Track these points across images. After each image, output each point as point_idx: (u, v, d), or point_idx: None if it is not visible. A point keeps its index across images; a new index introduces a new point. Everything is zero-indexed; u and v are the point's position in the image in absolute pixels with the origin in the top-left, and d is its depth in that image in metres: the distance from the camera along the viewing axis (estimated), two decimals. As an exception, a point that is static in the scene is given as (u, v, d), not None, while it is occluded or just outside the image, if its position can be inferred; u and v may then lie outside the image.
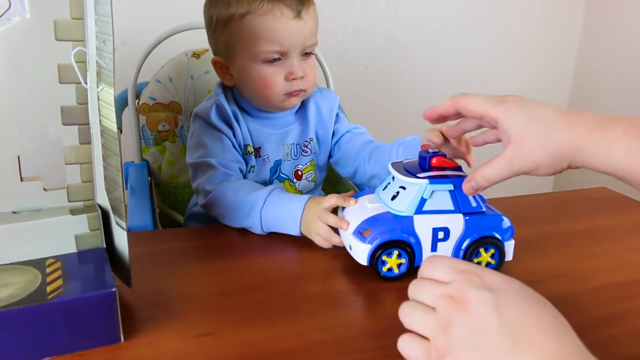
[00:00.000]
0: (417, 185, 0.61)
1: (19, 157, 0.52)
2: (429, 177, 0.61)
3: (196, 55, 1.07)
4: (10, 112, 0.51)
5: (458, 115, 0.61)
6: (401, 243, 0.61)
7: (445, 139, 0.70)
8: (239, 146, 0.85)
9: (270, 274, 0.63)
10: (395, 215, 0.61)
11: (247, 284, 0.60)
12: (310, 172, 0.93)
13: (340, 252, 0.67)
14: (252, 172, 0.87)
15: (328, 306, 0.57)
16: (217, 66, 0.87)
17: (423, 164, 0.63)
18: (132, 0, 1.32)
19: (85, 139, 0.54)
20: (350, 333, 0.52)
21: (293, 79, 0.82)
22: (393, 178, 0.65)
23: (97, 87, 0.51)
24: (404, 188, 0.62)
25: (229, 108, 0.84)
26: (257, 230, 0.72)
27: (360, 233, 0.61)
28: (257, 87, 0.82)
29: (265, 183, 0.88)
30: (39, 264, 0.51)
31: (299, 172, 0.91)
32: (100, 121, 0.52)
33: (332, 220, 0.66)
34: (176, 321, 0.52)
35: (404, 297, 0.46)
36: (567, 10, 1.92)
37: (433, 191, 0.61)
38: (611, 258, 0.71)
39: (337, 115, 0.96)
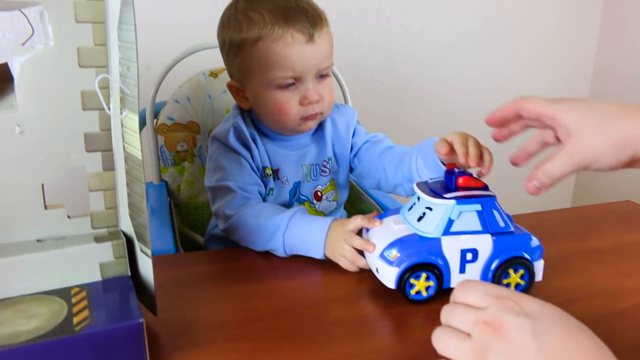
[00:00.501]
0: (444, 206, 0.59)
1: (42, 184, 0.52)
2: (456, 198, 0.60)
3: (213, 74, 1.07)
4: (34, 139, 0.50)
5: (518, 117, 0.61)
6: (429, 265, 0.59)
7: (452, 151, 0.70)
8: (257, 169, 0.84)
9: (296, 298, 0.62)
10: (422, 237, 0.60)
11: (274, 309, 0.59)
12: (331, 191, 0.92)
13: (366, 275, 0.66)
14: (272, 194, 0.86)
15: (356, 332, 0.55)
16: (232, 90, 0.86)
17: (449, 184, 0.62)
18: (151, 23, 1.33)
19: (109, 166, 0.54)
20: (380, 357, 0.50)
21: (308, 103, 0.80)
22: (418, 198, 0.63)
23: (121, 113, 0.50)
24: (430, 209, 0.61)
25: (246, 130, 0.83)
26: (280, 253, 0.71)
27: (387, 256, 0.60)
28: (272, 112, 0.81)
29: (285, 205, 0.87)
30: (64, 293, 0.50)
31: (319, 193, 0.90)
32: (124, 147, 0.52)
33: (358, 242, 0.65)
34: (203, 350, 0.51)
35: (433, 320, 0.45)
36: (582, 21, 1.90)
37: (460, 212, 0.59)
38: (644, 276, 0.69)
39: (355, 130, 0.94)
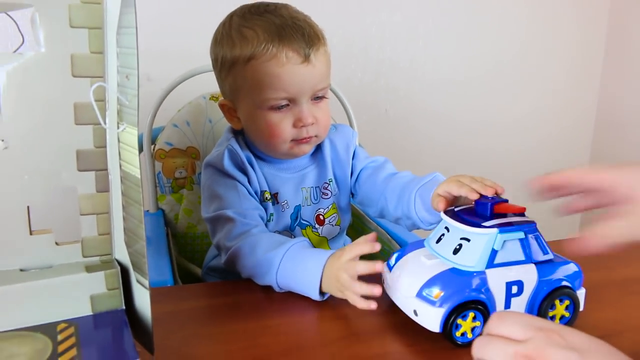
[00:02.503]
0: (487, 236, 0.55)
1: (28, 207, 0.47)
2: (497, 226, 0.55)
3: (214, 98, 1.03)
4: (20, 157, 0.46)
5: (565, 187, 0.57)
6: (474, 303, 0.54)
7: (451, 202, 0.67)
8: (255, 193, 0.79)
9: (308, 335, 0.57)
10: (464, 272, 0.55)
11: (283, 347, 0.53)
12: (333, 215, 0.86)
13: (385, 307, 0.60)
14: (272, 220, 0.80)
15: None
16: (224, 109, 0.82)
17: (483, 211, 0.58)
18: (156, 36, 1.30)
19: (103, 187, 0.49)
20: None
21: (302, 126, 0.76)
22: (448, 229, 0.58)
23: (118, 128, 0.46)
24: (467, 240, 0.56)
25: (242, 153, 0.79)
26: (277, 290, 0.65)
27: (427, 295, 0.54)
28: (263, 134, 0.77)
29: (286, 231, 0.82)
30: (49, 329, 0.44)
31: (321, 217, 0.85)
32: (120, 166, 0.47)
33: (362, 267, 0.59)
34: (206, 395, 0.45)
35: (461, 357, 0.39)
36: (585, 69, 1.92)
37: (505, 241, 0.55)
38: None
39: (354, 152, 0.89)
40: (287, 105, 0.76)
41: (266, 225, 0.79)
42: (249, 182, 0.78)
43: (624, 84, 1.87)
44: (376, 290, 0.58)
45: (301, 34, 0.74)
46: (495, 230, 0.55)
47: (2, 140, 0.44)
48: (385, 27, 1.57)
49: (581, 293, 0.59)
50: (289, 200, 0.82)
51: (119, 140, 0.46)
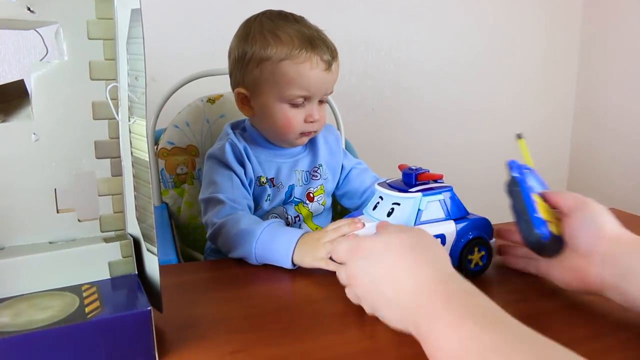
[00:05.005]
0: (412, 199, 0.66)
1: (55, 190, 0.55)
2: (421, 191, 0.67)
3: (211, 100, 1.12)
4: (48, 147, 0.54)
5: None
6: None
7: None
8: (251, 182, 0.89)
9: (295, 297, 0.65)
10: None
11: (273, 306, 0.62)
12: (321, 195, 0.97)
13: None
14: (269, 199, 0.91)
15: (353, 322, 0.58)
16: (239, 97, 0.92)
17: (409, 180, 0.69)
18: (160, 43, 1.39)
19: (117, 172, 0.58)
20: (375, 345, 0.53)
21: (311, 122, 0.88)
22: (381, 197, 0.70)
23: (129, 120, 0.55)
24: (398, 204, 0.67)
25: (240, 145, 0.89)
26: (252, 261, 0.74)
27: None
28: (278, 124, 0.88)
29: (280, 206, 0.93)
30: (75, 289, 0.53)
31: (311, 195, 0.96)
32: (132, 153, 0.56)
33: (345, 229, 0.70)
34: (207, 341, 0.54)
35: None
36: (563, 51, 1.99)
37: (427, 202, 0.66)
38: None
39: (344, 152, 1.02)
40: (303, 103, 0.87)
41: (263, 205, 0.90)
42: (245, 172, 0.88)
43: (600, 74, 1.94)
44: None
45: (327, 46, 0.87)
46: (420, 194, 0.66)
47: (34, 134, 0.53)
48: (369, 32, 1.66)
49: (493, 242, 0.70)
50: (284, 181, 0.93)
51: (130, 131, 0.55)
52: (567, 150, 2.09)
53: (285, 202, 0.93)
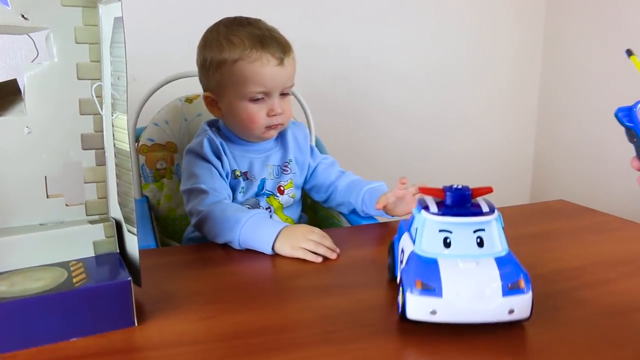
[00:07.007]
0: (495, 219, 0.57)
1: (45, 177, 0.62)
2: (489, 206, 0.58)
3: (189, 100, 1.19)
4: (39, 139, 0.61)
5: None
6: None
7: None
8: (227, 174, 0.97)
9: (266, 273, 0.74)
10: (502, 257, 0.56)
11: (244, 281, 0.70)
12: (291, 188, 1.05)
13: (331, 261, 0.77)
14: (243, 191, 0.98)
15: (314, 294, 0.66)
16: (207, 101, 1.00)
17: (464, 201, 0.58)
18: (140, 45, 1.44)
19: (101, 162, 0.65)
20: (330, 313, 0.61)
21: (273, 115, 0.95)
22: (448, 231, 0.56)
23: (112, 115, 0.62)
24: (482, 230, 0.56)
25: (217, 141, 0.97)
26: (235, 246, 0.81)
27: (514, 288, 0.54)
28: (243, 120, 0.95)
29: (253, 198, 1.00)
30: (64, 265, 0.60)
31: (282, 188, 1.04)
32: (114, 144, 0.63)
33: (328, 242, 0.79)
34: (181, 311, 0.61)
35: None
36: (528, 60, 2.08)
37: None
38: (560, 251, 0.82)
39: (311, 149, 1.10)
40: (263, 98, 0.94)
41: (235, 197, 0.97)
42: (222, 165, 0.96)
43: (563, 83, 2.04)
44: (328, 242, 0.79)
45: (277, 43, 0.93)
46: (496, 210, 0.57)
47: (27, 127, 0.60)
48: (342, 36, 1.74)
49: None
50: (256, 174, 1.00)
51: (113, 125, 0.62)
52: (530, 153, 2.19)
53: (257, 194, 1.00)
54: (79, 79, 0.62)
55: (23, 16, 0.58)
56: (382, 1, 1.78)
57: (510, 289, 0.53)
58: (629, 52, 0.65)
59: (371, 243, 0.89)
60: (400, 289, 0.56)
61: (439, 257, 0.55)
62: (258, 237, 0.79)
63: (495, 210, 0.57)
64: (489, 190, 0.59)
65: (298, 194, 1.07)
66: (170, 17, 1.52)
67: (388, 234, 0.91)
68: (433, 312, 0.53)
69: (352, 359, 0.52)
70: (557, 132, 2.08)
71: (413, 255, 0.57)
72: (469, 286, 0.53)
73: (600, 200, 1.08)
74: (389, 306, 0.62)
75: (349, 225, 1.06)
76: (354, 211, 1.03)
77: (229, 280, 0.71)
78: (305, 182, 1.09)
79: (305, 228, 0.81)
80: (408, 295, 0.54)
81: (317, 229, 0.82)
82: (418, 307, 0.53)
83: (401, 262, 0.62)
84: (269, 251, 0.79)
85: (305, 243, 0.77)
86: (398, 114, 1.89)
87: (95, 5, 0.61)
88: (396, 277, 0.65)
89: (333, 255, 0.77)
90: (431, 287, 0.53)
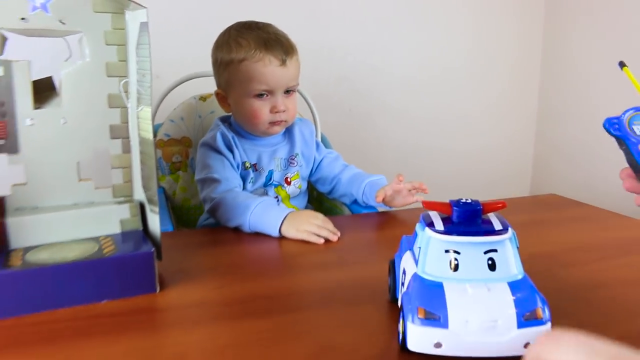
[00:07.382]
0: (509, 238, 0.51)
1: (78, 163, 0.70)
2: (502, 224, 0.52)
3: (203, 98, 1.28)
4: (73, 129, 0.69)
5: None
6: None
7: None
8: (238, 166, 1.05)
9: (271, 252, 0.81)
10: (516, 282, 0.50)
11: (251, 258, 0.78)
12: (297, 179, 1.13)
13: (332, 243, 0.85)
14: (252, 182, 1.06)
15: (315, 269, 0.74)
16: (218, 97, 1.10)
17: (475, 217, 0.53)
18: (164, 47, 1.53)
19: (127, 149, 0.73)
20: (329, 285, 0.68)
21: (276, 112, 1.03)
22: (456, 252, 0.50)
23: (137, 108, 0.70)
24: (494, 250, 0.50)
25: (229, 134, 1.05)
26: (245, 229, 0.89)
27: (531, 319, 0.47)
28: (248, 115, 1.04)
29: (261, 188, 1.08)
30: (95, 239, 0.68)
31: (288, 179, 1.12)
32: (139, 134, 0.71)
33: (330, 226, 0.86)
34: (197, 281, 0.69)
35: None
36: (527, 60, 2.13)
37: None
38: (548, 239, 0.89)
39: (317, 144, 1.18)
40: (267, 95, 1.02)
41: (247, 185, 1.05)
42: (233, 157, 1.04)
43: (561, 86, 2.09)
44: (330, 225, 0.87)
45: (280, 46, 1.02)
46: (509, 229, 0.51)
47: (63, 119, 0.69)
48: (348, 40, 1.81)
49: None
50: (265, 166, 1.09)
51: (138, 117, 0.70)
52: (529, 161, 2.23)
53: (265, 185, 1.08)
54: (108, 76, 0.70)
55: (61, 21, 0.66)
56: (386, 6, 1.85)
57: (526, 319, 0.47)
58: (622, 64, 0.64)
59: (369, 229, 0.97)
60: (401, 316, 0.50)
61: (444, 281, 0.49)
62: (266, 220, 0.87)
63: (509, 228, 0.51)
64: (502, 205, 0.53)
65: (304, 185, 1.15)
66: (188, 20, 1.61)
67: (385, 221, 0.99)
68: (437, 345, 0.47)
69: (345, 319, 0.59)
70: (556, 134, 2.13)
71: (416, 278, 0.51)
72: (479, 315, 0.47)
73: (599, 201, 1.14)
74: (382, 284, 0.66)
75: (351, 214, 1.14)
76: (355, 202, 1.11)
77: (239, 257, 0.79)
78: (311, 174, 1.17)
79: (309, 213, 0.89)
80: (409, 325, 0.47)
81: (320, 214, 0.89)
82: (420, 338, 0.47)
83: (402, 284, 0.56)
84: (276, 234, 0.86)
85: (309, 226, 0.85)
86: (400, 115, 1.95)
87: (123, 11, 0.69)
88: (397, 300, 0.58)
89: (334, 238, 0.85)
90: (436, 316, 0.47)
